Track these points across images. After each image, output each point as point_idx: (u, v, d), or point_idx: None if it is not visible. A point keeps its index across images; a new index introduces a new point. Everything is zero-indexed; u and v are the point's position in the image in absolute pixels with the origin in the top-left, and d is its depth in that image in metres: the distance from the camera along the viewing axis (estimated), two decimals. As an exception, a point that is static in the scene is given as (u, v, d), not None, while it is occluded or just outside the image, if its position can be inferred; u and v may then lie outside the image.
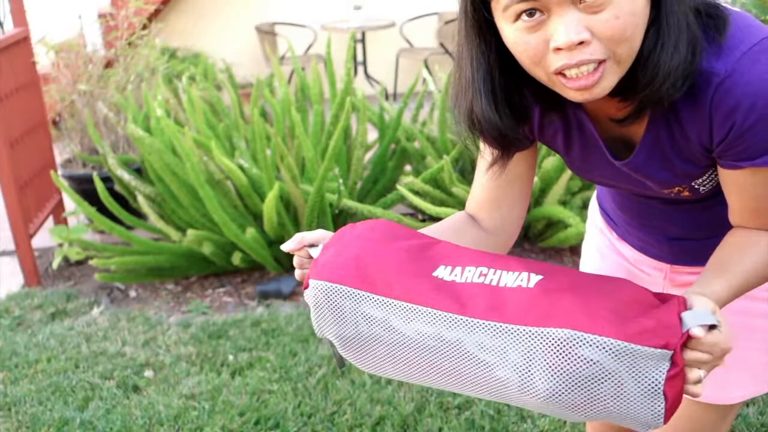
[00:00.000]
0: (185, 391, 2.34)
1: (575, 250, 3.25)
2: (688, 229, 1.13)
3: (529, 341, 0.81)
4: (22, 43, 3.29)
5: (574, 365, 0.78)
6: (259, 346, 2.59)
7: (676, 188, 1.01)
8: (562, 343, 0.78)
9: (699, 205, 1.08)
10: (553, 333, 0.79)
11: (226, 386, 2.36)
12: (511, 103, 0.95)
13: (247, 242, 2.86)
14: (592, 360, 0.77)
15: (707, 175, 0.98)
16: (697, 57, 0.85)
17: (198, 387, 2.36)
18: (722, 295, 0.89)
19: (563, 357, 0.78)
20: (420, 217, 3.40)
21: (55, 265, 3.28)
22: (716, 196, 1.03)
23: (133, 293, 3.10)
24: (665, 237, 1.17)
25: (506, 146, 1.01)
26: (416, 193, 3.00)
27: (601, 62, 0.82)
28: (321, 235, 0.98)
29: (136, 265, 3.01)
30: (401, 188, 2.91)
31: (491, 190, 1.10)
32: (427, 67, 5.90)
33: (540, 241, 3.25)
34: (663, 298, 0.83)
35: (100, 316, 2.89)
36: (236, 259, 2.91)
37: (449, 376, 0.88)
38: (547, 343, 0.79)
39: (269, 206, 2.77)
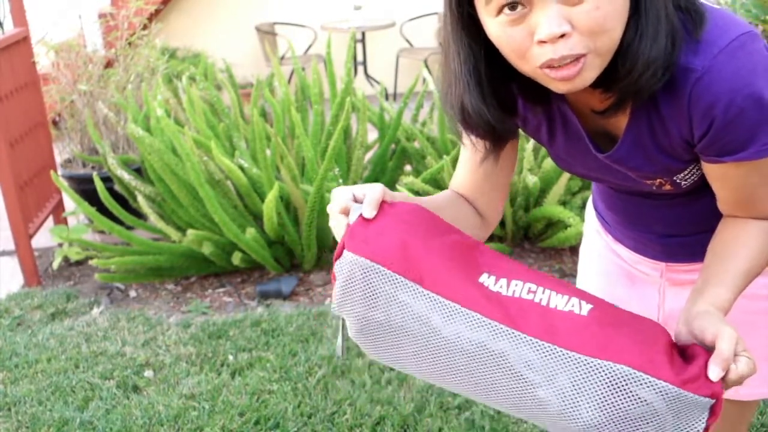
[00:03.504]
0: (185, 391, 2.34)
1: (575, 250, 3.25)
2: (676, 225, 1.13)
3: (584, 370, 0.80)
4: (22, 43, 3.29)
5: (627, 402, 0.78)
6: (259, 346, 2.59)
7: (658, 180, 1.01)
8: (619, 378, 0.78)
9: (684, 200, 1.09)
10: (612, 367, 0.79)
11: (226, 386, 2.36)
12: (498, 96, 0.95)
13: (247, 242, 2.86)
14: (645, 400, 0.78)
15: (688, 170, 0.98)
16: (677, 48, 0.85)
17: (198, 387, 2.36)
18: (729, 298, 0.90)
19: (617, 392, 0.78)
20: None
21: (55, 265, 3.28)
22: (700, 190, 1.03)
23: (133, 293, 3.10)
24: (655, 234, 1.17)
25: (496, 138, 1.01)
26: (416, 193, 3.00)
27: (581, 57, 0.83)
28: (368, 189, 0.91)
29: (136, 265, 3.01)
30: (401, 188, 2.91)
31: (475, 179, 1.11)
32: (427, 67, 5.90)
33: (540, 241, 3.25)
34: (682, 347, 0.84)
35: (100, 316, 2.89)
36: (236, 259, 2.91)
37: (478, 383, 0.85)
38: (602, 376, 0.79)
39: (269, 206, 2.77)
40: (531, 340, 0.81)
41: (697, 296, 0.90)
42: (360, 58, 6.09)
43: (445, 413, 2.18)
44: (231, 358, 2.53)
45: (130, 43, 3.91)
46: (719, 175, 0.95)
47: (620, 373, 0.78)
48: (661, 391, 0.78)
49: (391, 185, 3.37)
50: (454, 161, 3.25)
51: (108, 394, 2.35)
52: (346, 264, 0.87)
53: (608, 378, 0.79)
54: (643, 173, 1.00)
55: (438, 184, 3.09)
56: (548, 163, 2.99)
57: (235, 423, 2.17)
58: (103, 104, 3.65)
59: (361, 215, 0.88)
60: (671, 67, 0.85)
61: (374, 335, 0.89)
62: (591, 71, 0.85)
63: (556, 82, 0.86)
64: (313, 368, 2.43)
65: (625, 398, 0.78)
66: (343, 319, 0.92)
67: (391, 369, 2.41)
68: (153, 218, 3.00)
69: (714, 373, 0.78)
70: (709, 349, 0.81)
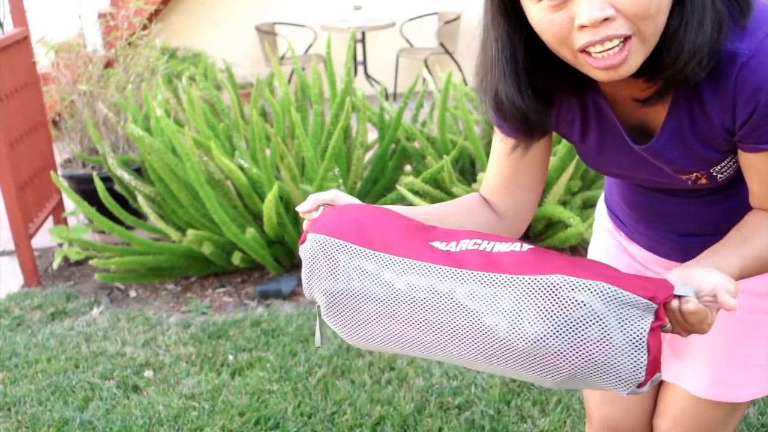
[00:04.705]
0: (185, 391, 2.34)
1: (575, 250, 3.25)
2: (698, 224, 1.13)
3: (522, 287, 0.83)
4: (22, 43, 3.29)
5: (565, 308, 0.80)
6: (259, 346, 2.59)
7: (694, 174, 1.00)
8: (554, 286, 0.81)
9: (711, 198, 1.08)
10: (546, 279, 0.82)
11: (226, 386, 2.36)
12: (535, 86, 0.95)
13: (247, 242, 2.86)
14: (582, 302, 0.79)
15: (726, 161, 0.98)
16: (722, 35, 0.85)
17: (198, 387, 2.36)
18: (734, 270, 0.89)
19: (555, 300, 0.81)
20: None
21: (55, 265, 3.28)
22: (729, 187, 1.03)
23: (133, 293, 3.10)
24: (676, 233, 1.16)
25: (529, 129, 1.02)
26: (416, 193, 3.00)
27: (626, 39, 0.83)
28: (335, 194, 1.01)
29: (136, 265, 3.01)
30: (401, 188, 2.91)
31: (506, 175, 1.11)
32: (427, 67, 5.90)
33: (540, 241, 3.25)
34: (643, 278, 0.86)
35: (100, 316, 2.89)
36: (236, 259, 2.91)
37: (435, 332, 0.88)
38: (539, 288, 0.82)
39: (269, 206, 2.77)
40: (473, 273, 0.86)
41: (704, 257, 0.90)
42: (360, 58, 6.09)
43: (445, 413, 2.18)
44: (231, 358, 2.53)
45: (130, 43, 3.91)
46: (756, 167, 0.94)
47: (554, 282, 0.81)
48: (596, 291, 0.79)
49: (391, 185, 3.38)
50: (454, 161, 3.25)
51: (108, 394, 2.35)
52: (308, 244, 0.96)
53: (544, 289, 0.81)
54: (679, 166, 0.99)
55: (438, 184, 3.09)
56: (548, 163, 2.99)
57: (235, 423, 2.17)
58: (103, 104, 3.65)
59: (322, 210, 1.00)
60: (717, 54, 0.85)
61: (341, 308, 0.94)
62: (636, 58, 0.84)
63: (598, 71, 0.85)
64: (313, 368, 2.43)
65: (562, 304, 0.80)
66: (319, 308, 0.97)
67: (391, 369, 2.41)
68: (153, 218, 3.00)
69: (729, 300, 0.78)
70: (702, 296, 0.81)
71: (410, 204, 3.03)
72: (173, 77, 4.55)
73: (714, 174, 1.00)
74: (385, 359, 2.46)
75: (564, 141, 2.94)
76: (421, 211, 1.05)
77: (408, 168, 3.52)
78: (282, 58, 5.94)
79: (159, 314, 2.89)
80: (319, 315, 0.98)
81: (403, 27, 6.25)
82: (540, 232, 3.26)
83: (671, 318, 0.81)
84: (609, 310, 0.79)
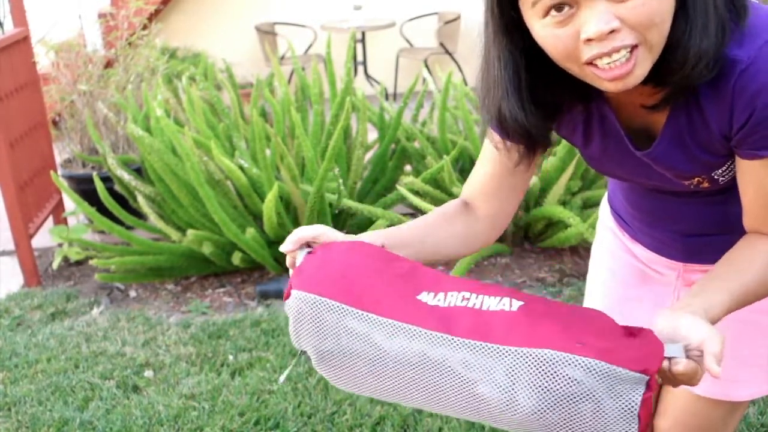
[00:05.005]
0: (185, 391, 2.34)
1: (575, 250, 3.25)
2: (702, 225, 1.12)
3: (514, 360, 0.82)
4: (22, 43, 3.29)
5: (557, 384, 0.80)
6: (259, 346, 2.59)
7: (696, 179, 1.01)
8: (547, 362, 0.81)
9: (713, 199, 1.08)
10: (539, 353, 0.82)
11: (226, 386, 2.36)
12: (537, 101, 0.96)
13: (247, 242, 2.86)
14: (575, 379, 0.80)
15: (726, 165, 0.98)
16: (726, 39, 0.85)
17: (198, 387, 2.36)
18: (721, 309, 0.89)
19: (548, 376, 0.81)
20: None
21: (55, 265, 3.28)
22: (732, 189, 1.03)
23: (133, 293, 3.10)
24: (679, 234, 1.16)
25: (532, 144, 1.02)
26: (416, 193, 3.00)
27: (633, 48, 0.83)
28: (321, 231, 0.99)
29: (136, 265, 3.01)
30: (401, 188, 2.91)
31: (493, 181, 1.12)
32: (427, 67, 5.90)
33: (540, 241, 3.25)
34: (633, 332, 0.85)
35: (100, 316, 2.89)
36: (236, 259, 2.91)
37: (429, 393, 0.89)
38: (531, 362, 0.82)
39: (269, 206, 2.77)
40: (465, 341, 0.86)
41: (691, 299, 0.90)
42: (360, 58, 6.09)
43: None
44: (231, 358, 2.53)
45: (130, 43, 3.91)
46: (752, 175, 0.94)
47: (545, 357, 0.81)
48: (587, 368, 0.80)
49: (391, 185, 3.38)
50: (454, 161, 3.25)
51: (108, 394, 2.35)
52: (293, 301, 0.93)
53: (536, 363, 0.81)
54: (680, 172, 0.99)
55: (438, 184, 3.09)
56: (548, 162, 2.99)
57: (235, 423, 2.17)
58: (103, 104, 3.65)
59: (306, 255, 0.98)
60: (720, 59, 0.86)
61: (331, 363, 0.94)
62: (643, 66, 0.85)
63: (606, 82, 0.86)
64: (313, 368, 2.43)
65: (555, 380, 0.80)
66: (301, 353, 0.98)
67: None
68: (153, 218, 3.00)
69: (714, 368, 0.78)
70: (690, 350, 0.81)
71: (410, 204, 3.03)
72: (173, 77, 4.55)
73: (716, 177, 1.00)
74: (385, 359, 2.46)
75: (564, 141, 2.94)
76: (406, 233, 1.06)
77: (408, 168, 3.52)
78: (282, 58, 5.94)
79: (159, 314, 2.89)
80: (299, 357, 0.99)
81: (403, 27, 6.25)
82: (540, 232, 3.26)
83: (662, 375, 0.82)
84: (601, 386, 0.80)
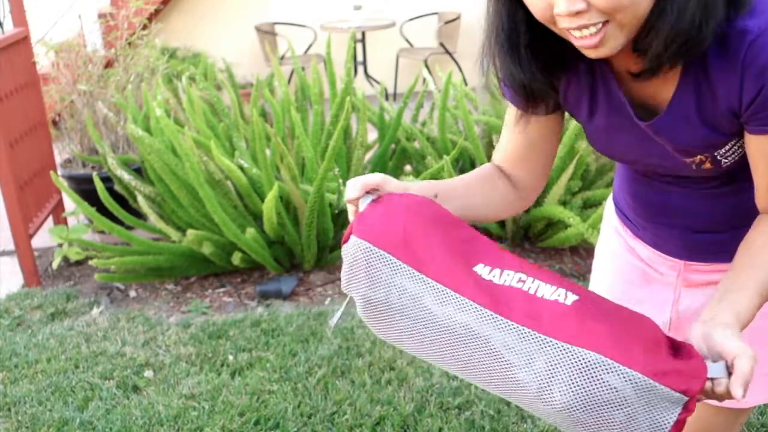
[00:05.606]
0: (185, 391, 2.34)
1: (575, 250, 3.25)
2: (703, 219, 1.12)
3: (558, 354, 0.83)
4: (22, 43, 3.29)
5: (595, 387, 0.80)
6: (259, 346, 2.59)
7: (698, 157, 1.00)
8: (590, 364, 0.81)
9: (717, 192, 1.08)
10: (585, 354, 0.81)
11: (226, 386, 2.36)
12: (535, 54, 0.98)
13: (247, 242, 2.86)
14: (614, 387, 0.80)
15: (730, 144, 0.97)
16: (714, 17, 0.85)
17: (198, 387, 2.36)
18: (752, 310, 0.89)
19: (588, 377, 0.81)
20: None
21: (54, 265, 3.28)
22: (736, 181, 1.02)
23: (132, 293, 3.10)
24: (679, 229, 1.16)
25: (533, 99, 1.04)
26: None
27: (605, 23, 0.86)
28: (381, 179, 0.99)
29: (136, 265, 3.01)
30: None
31: (517, 146, 1.14)
32: (427, 66, 5.90)
33: (540, 241, 3.25)
34: (678, 345, 0.84)
35: (100, 316, 2.89)
36: (236, 259, 2.91)
37: (465, 363, 0.89)
38: (575, 361, 0.82)
39: (269, 206, 2.77)
40: (513, 325, 0.86)
41: (719, 305, 0.89)
42: (360, 58, 6.09)
43: (445, 413, 2.18)
44: (231, 358, 2.53)
45: (130, 43, 3.91)
46: (762, 152, 0.94)
47: (591, 359, 0.81)
48: (630, 380, 0.79)
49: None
50: (454, 161, 3.25)
51: (108, 394, 2.35)
52: (351, 247, 0.93)
53: (579, 363, 0.81)
54: (682, 146, 0.99)
55: (438, 184, 3.08)
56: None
57: (235, 423, 2.17)
58: (103, 104, 3.65)
59: (369, 203, 0.96)
60: (709, 35, 0.86)
61: (376, 313, 0.94)
62: (615, 41, 0.87)
63: (583, 49, 0.90)
64: (313, 368, 2.43)
65: (593, 383, 0.80)
66: (350, 298, 0.98)
67: (392, 369, 2.41)
68: (153, 218, 3.00)
69: (738, 392, 0.78)
70: (713, 359, 0.81)
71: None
72: (173, 77, 4.55)
73: (718, 158, 0.99)
74: (385, 359, 2.46)
75: (564, 141, 2.94)
76: (459, 187, 1.08)
77: (408, 168, 3.52)
78: (282, 58, 5.94)
79: (159, 314, 2.89)
80: (347, 304, 0.98)
81: (403, 27, 6.25)
82: (540, 232, 3.26)
83: (703, 393, 0.82)
84: (639, 399, 0.79)
